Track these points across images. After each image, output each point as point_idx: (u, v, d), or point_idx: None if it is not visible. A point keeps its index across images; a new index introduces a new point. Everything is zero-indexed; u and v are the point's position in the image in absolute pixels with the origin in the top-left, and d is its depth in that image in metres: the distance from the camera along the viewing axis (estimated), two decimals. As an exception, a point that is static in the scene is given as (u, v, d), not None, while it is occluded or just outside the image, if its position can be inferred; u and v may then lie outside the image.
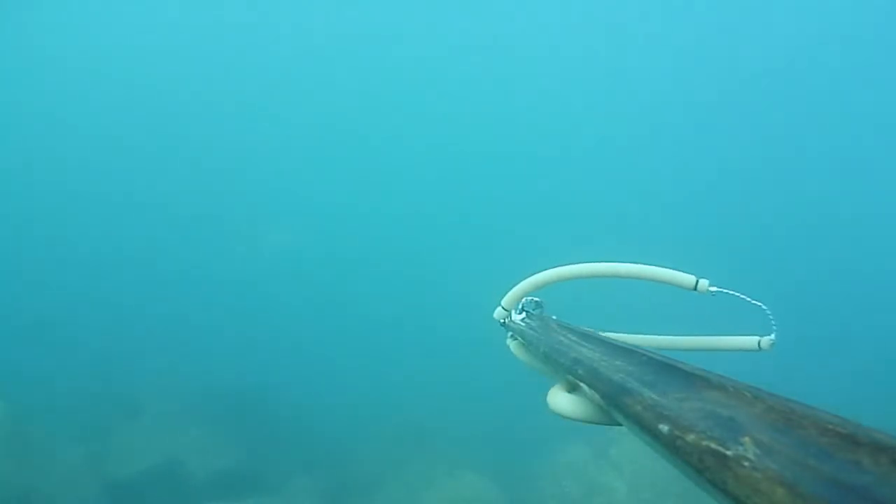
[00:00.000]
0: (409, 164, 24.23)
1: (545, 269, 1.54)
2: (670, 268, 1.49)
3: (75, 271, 19.56)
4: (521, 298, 1.56)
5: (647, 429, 0.67)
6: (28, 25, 22.23)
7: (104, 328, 15.86)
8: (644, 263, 1.50)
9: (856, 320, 18.06)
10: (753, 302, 1.40)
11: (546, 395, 1.26)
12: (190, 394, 11.72)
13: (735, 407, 0.61)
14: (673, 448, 0.60)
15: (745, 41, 23.15)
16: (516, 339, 1.52)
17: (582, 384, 0.97)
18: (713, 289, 1.46)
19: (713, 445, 0.55)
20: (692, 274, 1.48)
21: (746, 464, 0.51)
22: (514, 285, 1.58)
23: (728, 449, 0.54)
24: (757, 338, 1.45)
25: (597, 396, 0.90)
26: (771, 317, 1.38)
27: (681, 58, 24.10)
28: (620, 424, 0.88)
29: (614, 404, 0.80)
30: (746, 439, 0.54)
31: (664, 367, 0.80)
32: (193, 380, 12.38)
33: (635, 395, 0.74)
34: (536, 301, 1.56)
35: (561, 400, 1.14)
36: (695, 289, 1.46)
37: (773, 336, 1.39)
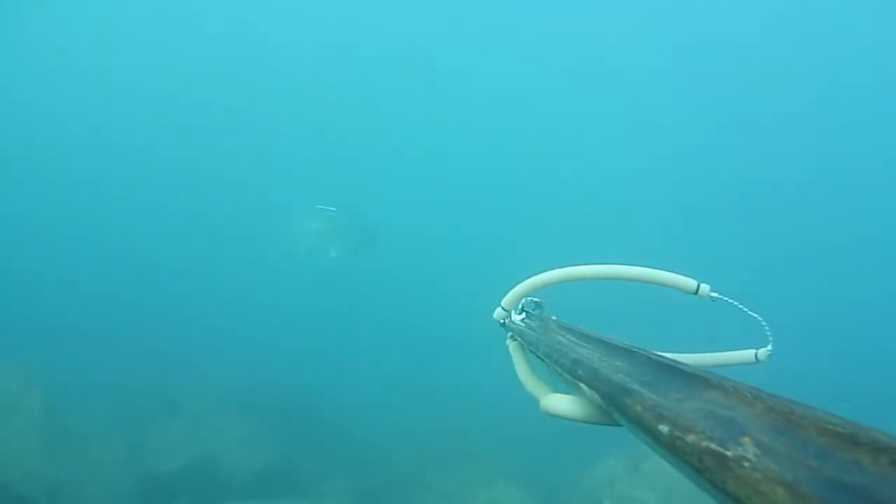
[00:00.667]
0: (411, 164, 24.24)
1: (546, 271, 1.54)
2: (671, 271, 1.49)
3: (118, 265, 19.75)
4: (522, 299, 1.56)
5: (646, 429, 0.67)
6: (28, 25, 22.26)
7: (146, 323, 15.98)
8: (644, 266, 1.50)
9: (856, 320, 18.09)
10: (751, 313, 1.40)
11: (534, 394, 1.26)
12: (229, 391, 11.73)
13: (735, 407, 0.61)
14: (673, 448, 0.60)
15: (743, 41, 23.17)
16: (516, 339, 1.52)
17: (581, 384, 0.97)
18: (714, 294, 1.47)
19: (713, 446, 0.56)
20: (693, 278, 1.49)
21: (746, 464, 0.51)
22: (514, 286, 1.58)
23: (728, 449, 0.54)
24: (754, 351, 1.46)
25: (596, 397, 0.90)
26: (767, 329, 1.38)
27: (681, 58, 24.11)
28: (619, 425, 0.89)
29: (614, 405, 0.81)
30: (746, 440, 0.54)
31: (664, 368, 0.80)
32: (233, 378, 12.38)
33: (635, 396, 0.74)
34: (536, 301, 1.56)
35: (558, 400, 1.14)
36: (696, 293, 1.47)
37: (769, 347, 1.39)
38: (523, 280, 1.56)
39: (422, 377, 14.35)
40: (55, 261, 19.39)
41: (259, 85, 24.52)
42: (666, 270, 1.49)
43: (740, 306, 1.44)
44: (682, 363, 0.79)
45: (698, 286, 1.48)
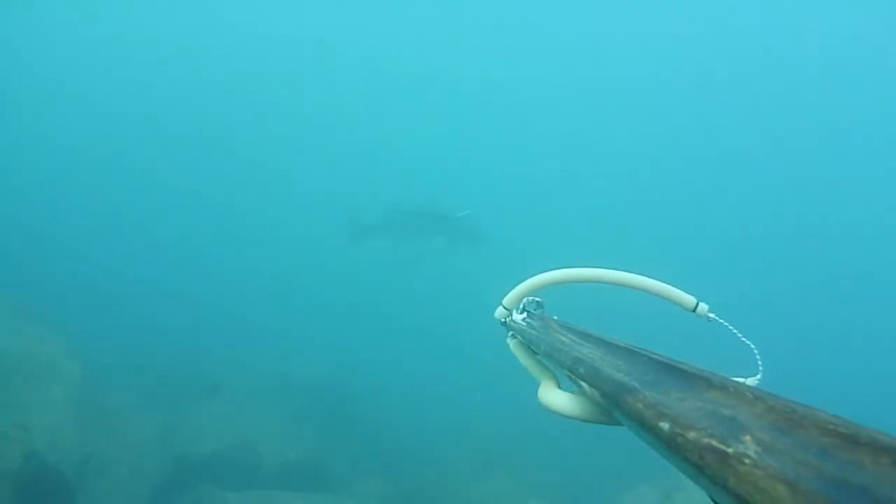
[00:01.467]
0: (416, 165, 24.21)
1: (548, 271, 1.54)
2: (674, 284, 1.48)
3: (167, 249, 19.92)
4: (523, 298, 1.56)
5: (647, 427, 0.67)
6: (27, 26, 22.34)
7: (191, 306, 16.01)
8: (646, 275, 1.50)
9: (856, 320, 18.08)
10: (744, 340, 1.39)
11: (537, 392, 1.26)
12: (269, 380, 11.65)
13: (736, 407, 0.62)
14: (673, 445, 0.61)
15: (740, 39, 23.19)
16: (516, 338, 1.52)
17: (582, 383, 0.97)
18: (711, 315, 1.46)
19: (714, 443, 0.56)
20: (693, 295, 1.48)
21: (747, 461, 0.51)
22: (514, 285, 1.58)
23: (728, 446, 0.54)
24: (742, 379, 1.44)
25: (597, 395, 0.90)
26: (758, 358, 1.37)
27: (682, 58, 24.11)
28: (620, 424, 0.89)
29: (615, 403, 0.81)
30: (747, 437, 0.54)
31: (666, 368, 0.80)
32: (274, 367, 12.33)
33: (636, 394, 0.74)
34: (538, 301, 1.56)
35: (557, 398, 1.15)
36: (693, 311, 1.46)
37: (758, 377, 1.38)
38: (524, 280, 1.57)
39: (461, 383, 14.20)
40: (107, 239, 19.68)
41: (260, 89, 24.63)
42: (668, 284, 1.49)
43: (735, 331, 1.43)
44: (683, 363, 0.80)
45: (697, 304, 1.48)
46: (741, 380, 1.40)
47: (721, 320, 1.44)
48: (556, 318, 1.48)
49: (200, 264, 19.50)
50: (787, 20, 22.64)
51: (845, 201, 22.70)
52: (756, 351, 1.37)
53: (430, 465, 10.60)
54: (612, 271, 1.49)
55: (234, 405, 10.58)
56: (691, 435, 0.59)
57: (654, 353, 0.87)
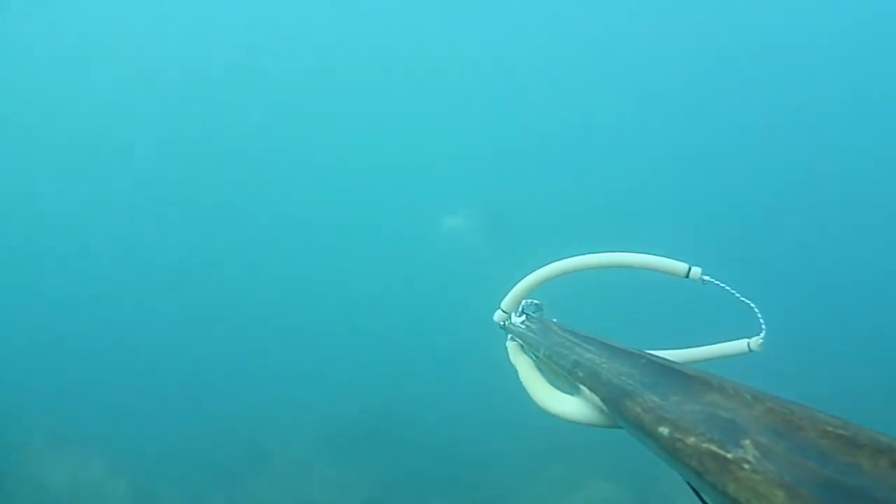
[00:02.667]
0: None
1: (538, 269, 1.54)
2: (661, 255, 1.48)
3: (188, 322, 19.13)
4: (520, 300, 1.56)
5: (647, 431, 0.67)
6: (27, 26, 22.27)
7: (221, 374, 15.55)
8: (634, 252, 1.50)
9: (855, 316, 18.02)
10: (743, 299, 1.39)
11: (537, 395, 1.26)
12: (316, 430, 11.52)
13: (735, 409, 0.61)
14: (673, 451, 0.60)
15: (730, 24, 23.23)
16: (515, 341, 1.52)
17: (582, 386, 0.97)
18: (706, 278, 1.45)
19: (713, 448, 0.56)
20: (684, 262, 1.47)
21: (746, 466, 0.51)
22: (510, 287, 1.58)
23: (728, 451, 0.54)
24: (746, 340, 1.44)
25: (597, 399, 0.90)
26: (760, 316, 1.36)
27: (681, 59, 24.14)
28: (620, 427, 0.89)
29: (614, 407, 0.81)
30: (746, 442, 0.54)
31: (664, 370, 0.80)
32: (318, 416, 12.16)
33: (636, 398, 0.74)
34: (536, 304, 1.56)
35: (557, 401, 1.14)
36: (686, 276, 1.46)
37: (762, 336, 1.37)
38: (518, 281, 1.56)
39: (498, 384, 13.93)
40: (127, 331, 18.57)
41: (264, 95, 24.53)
42: (656, 256, 1.49)
43: (732, 291, 1.42)
44: (682, 365, 0.79)
45: (689, 269, 1.47)
46: (746, 341, 1.40)
47: (716, 282, 1.44)
48: (555, 320, 1.47)
49: (220, 328, 18.68)
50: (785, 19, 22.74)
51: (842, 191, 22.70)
52: (756, 310, 1.36)
53: (491, 471, 10.49)
54: (599, 256, 1.49)
55: (288, 465, 10.44)
56: (690, 440, 0.59)
57: (654, 356, 0.87)
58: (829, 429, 0.51)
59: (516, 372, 1.43)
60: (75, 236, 21.20)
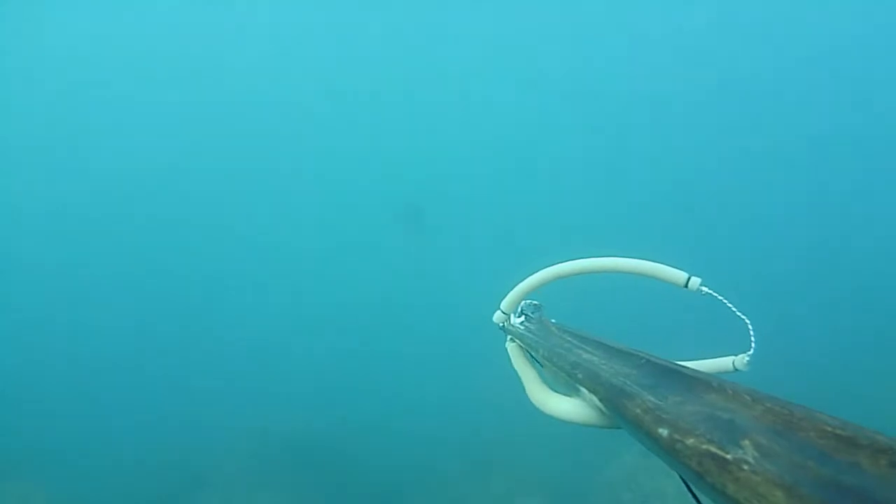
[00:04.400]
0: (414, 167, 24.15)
1: (539, 270, 1.54)
2: (662, 263, 1.48)
3: (124, 339, 18.86)
4: (520, 301, 1.56)
5: (646, 432, 0.67)
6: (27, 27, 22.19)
7: (158, 396, 15.31)
8: (635, 258, 1.50)
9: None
10: (738, 314, 1.38)
11: (536, 397, 1.26)
12: (251, 452, 11.38)
13: (734, 410, 0.61)
14: (673, 452, 0.60)
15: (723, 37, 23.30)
16: (515, 342, 1.52)
17: (581, 387, 0.97)
18: (704, 289, 1.45)
19: (713, 449, 0.56)
20: (684, 272, 1.48)
21: (746, 467, 0.51)
22: (510, 288, 1.58)
23: (728, 452, 0.54)
24: (731, 358, 1.41)
25: (596, 400, 0.90)
26: (752, 333, 1.35)
27: (680, 61, 24.18)
28: (619, 428, 0.88)
29: (614, 407, 0.80)
30: (746, 442, 0.54)
31: (664, 371, 0.80)
32: (253, 438, 11.95)
33: (635, 399, 0.74)
34: (535, 304, 1.56)
35: (558, 403, 1.14)
36: (685, 286, 1.46)
37: (747, 355, 1.35)
38: (518, 282, 1.56)
39: (430, 396, 13.89)
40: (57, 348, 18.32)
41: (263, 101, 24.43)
42: (657, 263, 1.49)
43: (729, 305, 1.42)
44: (682, 366, 0.79)
45: (689, 279, 1.47)
46: (731, 359, 1.39)
47: (714, 293, 1.44)
48: (554, 321, 1.47)
49: (158, 348, 17.98)
50: (782, 20, 22.80)
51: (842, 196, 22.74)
52: (750, 325, 1.35)
53: (429, 487, 10.50)
54: (600, 260, 1.49)
55: (222, 489, 10.35)
56: (690, 441, 0.59)
57: (653, 356, 0.87)
58: (828, 429, 0.51)
59: (516, 373, 1.43)
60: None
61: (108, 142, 22.69)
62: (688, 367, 0.78)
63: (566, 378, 1.06)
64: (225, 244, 22.12)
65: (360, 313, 18.86)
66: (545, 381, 1.29)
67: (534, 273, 1.54)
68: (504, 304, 1.57)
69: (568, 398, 1.12)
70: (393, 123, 24.83)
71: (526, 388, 1.34)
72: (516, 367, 1.45)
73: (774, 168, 22.86)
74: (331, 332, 18.29)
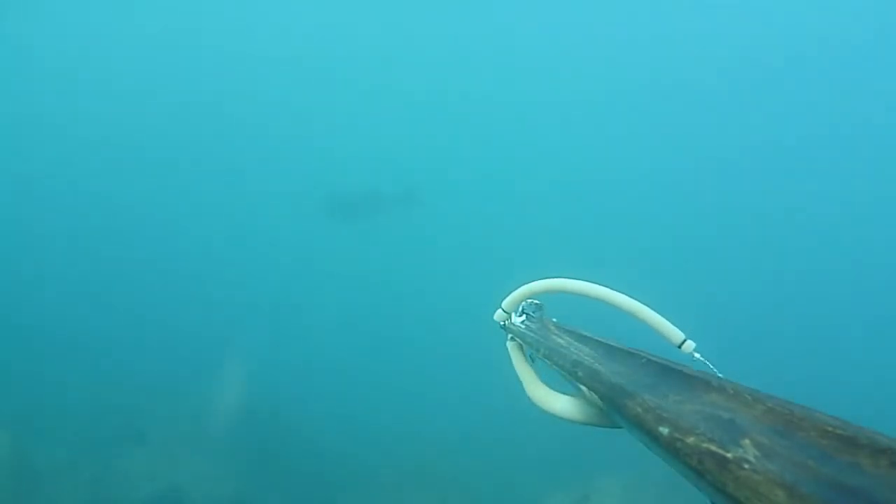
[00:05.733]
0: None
1: (549, 278, 1.55)
2: (667, 318, 1.49)
3: (78, 286, 19.00)
4: (522, 302, 1.57)
5: (646, 431, 0.67)
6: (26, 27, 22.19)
7: (108, 348, 15.48)
8: (644, 304, 1.51)
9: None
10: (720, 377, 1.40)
11: (536, 396, 1.26)
12: (194, 419, 11.50)
13: (735, 409, 0.61)
14: (673, 450, 0.60)
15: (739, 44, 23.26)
16: (515, 340, 1.52)
17: (581, 386, 0.97)
18: (696, 356, 1.46)
19: (713, 448, 0.56)
20: (683, 332, 1.49)
21: (746, 466, 0.51)
22: (515, 288, 1.59)
23: (728, 451, 0.54)
24: (687, 341, 1.45)
25: (596, 398, 0.90)
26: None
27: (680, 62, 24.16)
28: (619, 427, 0.89)
29: (614, 406, 0.81)
30: (746, 441, 0.54)
31: (664, 370, 0.80)
32: (196, 403, 12.05)
33: (635, 398, 0.74)
34: (536, 304, 1.56)
35: (557, 402, 1.15)
36: (679, 347, 1.47)
37: (696, 352, 1.38)
38: (525, 284, 1.57)
39: (392, 396, 13.95)
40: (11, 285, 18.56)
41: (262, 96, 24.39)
42: (662, 316, 1.50)
43: (718, 374, 1.43)
44: (682, 365, 0.79)
45: (684, 341, 1.49)
46: (689, 342, 1.41)
47: (706, 361, 1.45)
48: (554, 320, 1.48)
49: (112, 305, 18.32)
50: (776, 23, 22.78)
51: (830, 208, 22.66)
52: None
53: (361, 485, 10.55)
54: (610, 291, 1.50)
55: (161, 449, 10.47)
56: (690, 440, 0.59)
57: (654, 356, 0.87)
58: (829, 429, 0.52)
59: (515, 371, 1.44)
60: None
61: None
62: (688, 367, 0.78)
63: (566, 377, 1.06)
64: (226, 244, 22.19)
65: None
66: (545, 380, 1.30)
67: (542, 280, 1.55)
68: (506, 303, 1.58)
69: (568, 397, 1.12)
70: (401, 118, 24.80)
71: (525, 386, 1.34)
72: (516, 365, 1.45)
73: (773, 169, 22.86)
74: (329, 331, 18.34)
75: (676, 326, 1.46)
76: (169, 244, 21.57)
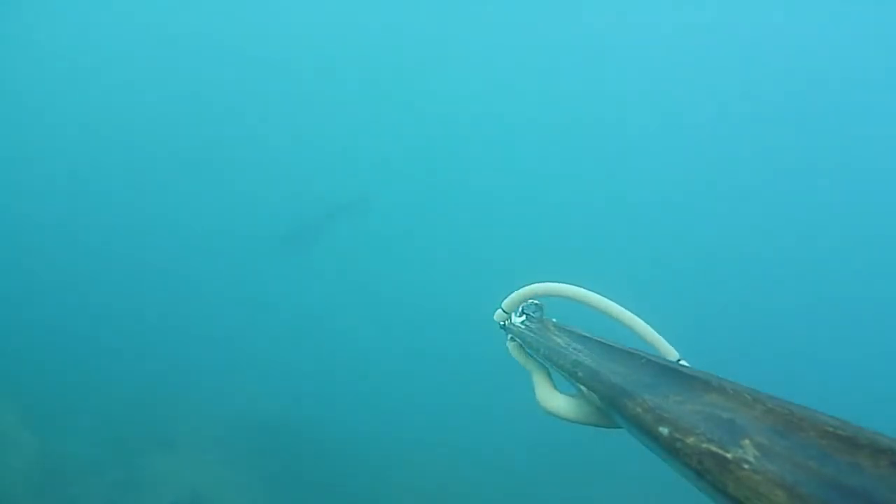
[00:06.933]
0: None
1: (551, 282, 1.56)
2: (664, 335, 1.49)
3: (106, 299, 18.84)
4: (523, 302, 1.57)
5: (646, 431, 0.67)
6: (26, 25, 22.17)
7: (141, 350, 15.38)
8: (642, 319, 1.52)
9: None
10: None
11: (536, 396, 1.26)
12: (220, 426, 11.60)
13: (735, 409, 0.61)
14: (673, 450, 0.60)
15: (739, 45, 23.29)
16: (515, 340, 1.53)
17: (581, 386, 0.97)
18: None
19: (713, 448, 0.56)
20: (678, 351, 1.49)
21: (746, 466, 0.51)
22: (517, 289, 1.59)
23: (728, 451, 0.54)
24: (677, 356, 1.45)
25: (595, 398, 0.90)
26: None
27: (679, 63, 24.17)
28: (619, 427, 0.89)
29: (614, 406, 0.81)
30: (746, 441, 0.54)
31: (664, 370, 0.80)
32: (223, 411, 12.15)
33: (635, 398, 0.74)
34: (537, 304, 1.56)
35: (556, 401, 1.15)
36: None
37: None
38: (529, 285, 1.58)
39: (412, 404, 13.90)
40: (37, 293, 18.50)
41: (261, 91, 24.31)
42: (658, 334, 1.51)
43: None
44: (682, 365, 0.80)
45: (678, 361, 1.49)
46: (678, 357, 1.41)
47: None
48: (554, 320, 1.48)
49: (141, 305, 18.21)
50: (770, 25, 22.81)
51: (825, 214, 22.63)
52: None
53: (385, 494, 10.58)
54: (611, 303, 1.51)
55: (186, 456, 10.56)
56: (690, 440, 0.59)
57: (653, 356, 0.87)
58: (829, 429, 0.52)
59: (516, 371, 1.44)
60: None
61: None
62: (688, 367, 0.78)
63: (566, 377, 1.06)
64: (222, 243, 22.13)
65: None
66: (545, 380, 1.30)
67: (544, 283, 1.56)
68: (506, 304, 1.58)
69: (567, 397, 1.12)
70: (398, 121, 24.78)
71: (534, 387, 1.35)
72: (516, 357, 1.47)
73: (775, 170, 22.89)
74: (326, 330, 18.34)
75: (672, 344, 1.47)
76: (201, 250, 21.51)
